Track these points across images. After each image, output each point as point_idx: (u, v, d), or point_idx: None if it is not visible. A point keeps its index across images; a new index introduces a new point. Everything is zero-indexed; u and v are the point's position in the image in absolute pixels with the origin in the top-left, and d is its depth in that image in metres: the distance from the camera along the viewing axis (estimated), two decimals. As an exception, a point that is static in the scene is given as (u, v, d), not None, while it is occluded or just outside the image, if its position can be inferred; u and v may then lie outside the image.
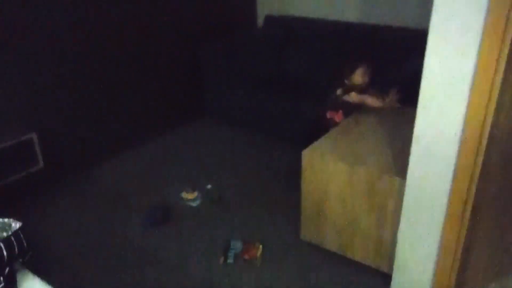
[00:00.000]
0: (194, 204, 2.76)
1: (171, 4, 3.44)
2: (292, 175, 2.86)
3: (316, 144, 2.28)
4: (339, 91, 2.70)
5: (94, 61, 3.02)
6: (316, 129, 2.78)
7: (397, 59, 3.15)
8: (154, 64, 3.47)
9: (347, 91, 2.67)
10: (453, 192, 1.63)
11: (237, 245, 2.37)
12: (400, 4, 3.42)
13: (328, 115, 2.76)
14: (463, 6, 1.40)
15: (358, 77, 2.67)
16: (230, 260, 2.29)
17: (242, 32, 4.07)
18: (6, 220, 1.52)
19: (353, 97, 2.64)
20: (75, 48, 2.89)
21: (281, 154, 3.32)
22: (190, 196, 2.79)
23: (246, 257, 2.31)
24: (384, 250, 2.11)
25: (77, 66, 2.93)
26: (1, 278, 1.36)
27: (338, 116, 2.73)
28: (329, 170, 2.14)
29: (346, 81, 2.71)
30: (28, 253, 1.48)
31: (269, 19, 4.09)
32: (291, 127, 3.44)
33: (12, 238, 1.41)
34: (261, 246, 2.36)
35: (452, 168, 1.61)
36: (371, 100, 2.62)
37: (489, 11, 1.35)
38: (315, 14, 3.87)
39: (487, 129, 1.47)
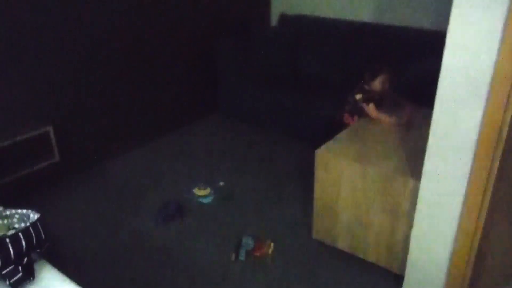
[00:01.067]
0: (206, 200, 2.78)
1: (185, 2, 3.46)
2: (305, 174, 2.86)
3: (329, 143, 2.28)
4: (358, 97, 2.67)
5: (109, 56, 3.06)
6: (331, 130, 2.78)
7: (412, 60, 3.13)
8: (168, 59, 3.49)
9: (366, 98, 2.65)
10: (469, 193, 1.62)
11: (248, 242, 2.38)
12: (415, 4, 3.40)
13: (345, 118, 2.76)
14: (482, 6, 1.39)
15: (378, 84, 2.65)
16: (241, 257, 2.31)
17: (257, 30, 4.07)
18: (25, 211, 1.54)
19: (370, 109, 2.60)
20: (92, 43, 2.92)
21: (294, 153, 3.33)
22: (203, 193, 2.81)
23: (258, 254, 2.32)
24: (396, 251, 2.10)
25: (93, 61, 2.96)
26: (20, 268, 1.39)
27: (353, 121, 2.72)
28: (342, 170, 2.13)
29: (366, 86, 2.69)
30: (46, 244, 1.51)
31: (283, 17, 4.09)
32: (304, 125, 3.44)
33: (31, 229, 1.44)
34: (272, 244, 2.37)
35: (468, 169, 1.60)
36: (385, 119, 2.55)
37: (510, 10, 1.33)
38: (329, 13, 3.86)
39: (505, 130, 1.45)
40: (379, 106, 2.63)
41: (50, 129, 2.73)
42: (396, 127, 2.45)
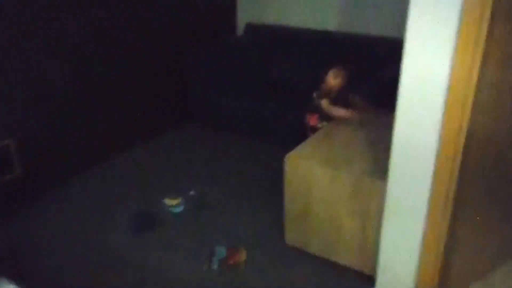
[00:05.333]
0: (177, 210, 2.74)
1: (151, 13, 3.43)
2: (277, 179, 2.87)
3: (298, 148, 2.31)
4: (314, 94, 2.74)
5: (77, 66, 2.98)
6: (300, 133, 2.82)
7: (375, 66, 3.23)
8: (138, 71, 3.45)
9: (322, 95, 2.71)
10: (433, 192, 1.67)
11: (221, 250, 2.36)
12: (378, 14, 3.51)
13: (307, 119, 2.80)
14: (437, 9, 1.46)
15: (331, 79, 2.69)
16: (214, 266, 2.28)
17: (224, 40, 4.09)
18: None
19: (323, 104, 2.67)
20: (57, 52, 2.85)
21: (266, 159, 3.34)
22: (173, 202, 2.77)
23: (231, 262, 2.30)
24: (368, 253, 2.14)
25: (59, 70, 2.88)
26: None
27: (312, 120, 2.77)
28: (312, 174, 2.16)
29: (323, 85, 2.75)
30: (4, 263, 1.44)
31: (249, 27, 4.13)
32: (275, 131, 3.47)
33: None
34: (245, 252, 2.36)
35: (431, 169, 1.65)
36: (338, 113, 2.64)
37: (463, 12, 1.40)
38: (294, 23, 3.93)
39: (465, 129, 1.52)
40: (335, 103, 2.69)
41: (10, 142, 2.62)
42: (353, 123, 2.53)
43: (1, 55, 2.57)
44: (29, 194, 2.82)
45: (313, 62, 3.69)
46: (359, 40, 3.58)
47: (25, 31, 2.64)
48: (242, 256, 2.34)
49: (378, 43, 3.48)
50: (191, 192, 2.87)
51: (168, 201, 2.77)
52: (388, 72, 3.13)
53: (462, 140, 1.54)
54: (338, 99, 2.74)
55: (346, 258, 2.23)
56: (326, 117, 2.69)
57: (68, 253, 2.39)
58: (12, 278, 1.51)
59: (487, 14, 1.37)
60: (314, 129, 2.73)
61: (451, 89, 1.51)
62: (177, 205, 2.75)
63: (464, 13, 1.39)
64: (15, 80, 2.67)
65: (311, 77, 3.55)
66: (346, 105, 2.79)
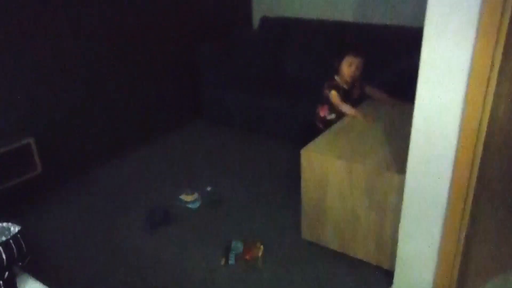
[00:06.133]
0: (193, 206, 2.75)
1: (166, 7, 3.44)
2: (292, 174, 2.85)
3: (314, 142, 2.28)
4: (325, 85, 2.68)
5: (90, 64, 3.02)
6: (314, 128, 2.78)
7: (394, 57, 3.16)
8: (151, 67, 3.47)
9: (331, 85, 2.64)
10: (453, 186, 1.62)
11: (238, 246, 2.36)
12: (396, 2, 3.43)
13: (319, 110, 2.76)
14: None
15: (346, 67, 2.61)
16: (231, 261, 2.28)
17: (239, 33, 4.07)
18: (5, 224, 1.50)
19: (332, 95, 2.60)
20: (71, 52, 2.89)
21: (280, 154, 3.32)
22: (190, 198, 2.78)
23: (248, 257, 2.30)
24: (385, 247, 2.10)
25: (73, 70, 2.93)
26: (1, 283, 1.35)
27: (322, 111, 2.72)
28: (328, 169, 2.13)
29: (336, 77, 2.68)
30: (27, 257, 1.47)
31: (265, 20, 4.10)
32: (289, 126, 3.44)
33: (11, 242, 1.40)
34: (262, 247, 2.35)
35: (451, 162, 1.61)
36: (344, 109, 2.57)
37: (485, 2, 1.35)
38: (311, 14, 3.88)
39: (486, 120, 1.47)
40: (346, 97, 2.62)
41: (31, 140, 2.68)
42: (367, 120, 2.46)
43: (16, 58, 2.61)
44: (49, 191, 2.88)
45: (329, 55, 3.63)
46: (376, 30, 3.50)
47: (35, 34, 2.68)
48: (259, 251, 2.33)
49: (395, 33, 3.40)
50: (208, 188, 2.88)
51: (185, 197, 2.78)
52: (405, 62, 3.08)
53: (483, 131, 1.48)
54: (352, 89, 2.69)
55: (364, 252, 2.20)
56: (336, 109, 2.64)
57: (85, 249, 2.43)
58: (34, 275, 1.54)
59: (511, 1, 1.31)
60: (324, 121, 2.69)
61: (472, 77, 1.45)
62: (193, 201, 2.76)
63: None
64: (32, 81, 2.72)
65: (326, 71, 3.52)
66: (360, 95, 2.74)
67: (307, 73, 3.71)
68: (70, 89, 2.94)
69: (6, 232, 1.49)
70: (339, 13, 3.73)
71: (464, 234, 1.69)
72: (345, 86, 2.66)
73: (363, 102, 2.72)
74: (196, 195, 2.80)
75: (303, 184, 2.26)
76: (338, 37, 3.63)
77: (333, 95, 2.59)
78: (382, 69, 3.03)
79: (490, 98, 1.45)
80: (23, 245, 1.46)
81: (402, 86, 2.92)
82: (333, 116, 2.66)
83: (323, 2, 3.81)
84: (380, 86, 2.82)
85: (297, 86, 3.67)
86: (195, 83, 3.83)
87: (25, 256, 1.46)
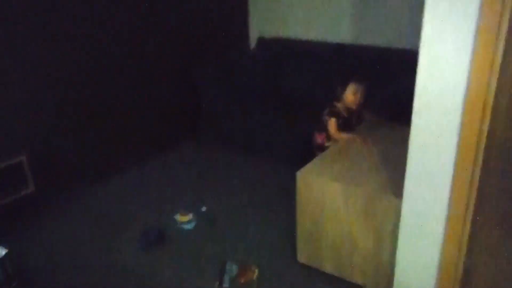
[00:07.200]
0: (188, 226, 2.71)
1: (163, 28, 3.45)
2: (288, 196, 2.82)
3: (310, 164, 2.26)
4: (325, 112, 2.66)
5: (85, 83, 3.01)
6: (308, 150, 2.76)
7: (390, 79, 3.17)
8: (146, 87, 3.46)
9: (331, 112, 2.63)
10: (451, 209, 1.60)
11: (232, 268, 2.31)
12: (391, 25, 3.46)
13: (316, 137, 2.74)
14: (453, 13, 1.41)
15: (350, 95, 2.60)
16: (225, 284, 2.23)
17: (236, 54, 4.09)
18: (-8, 246, 1.47)
19: (331, 123, 2.57)
20: (64, 70, 2.87)
21: (277, 175, 3.29)
22: (184, 219, 2.74)
23: (242, 280, 2.25)
24: (383, 271, 2.06)
25: (66, 88, 2.91)
26: (-14, 308, 1.31)
27: (320, 138, 2.70)
28: (324, 191, 2.10)
29: (337, 104, 2.65)
30: (14, 282, 1.43)
31: (261, 41, 4.13)
32: (286, 147, 3.42)
33: (-2, 266, 1.36)
34: (257, 270, 2.31)
35: (449, 185, 1.59)
36: (341, 138, 2.54)
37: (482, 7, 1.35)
38: (307, 35, 3.91)
39: (483, 139, 1.45)
40: (345, 125, 2.60)
41: (23, 158, 2.64)
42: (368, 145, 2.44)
43: (7, 76, 2.60)
44: (42, 210, 2.83)
45: (326, 76, 3.64)
46: (373, 52, 3.52)
47: (26, 53, 2.67)
48: (254, 274, 2.28)
49: (392, 55, 3.42)
50: (202, 208, 2.84)
51: (179, 217, 2.74)
52: (402, 84, 3.09)
53: (480, 157, 1.47)
54: (352, 116, 2.67)
55: (361, 277, 2.16)
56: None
57: (78, 269, 2.37)
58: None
59: (507, 16, 1.31)
60: (321, 148, 2.66)
61: (468, 96, 1.44)
62: (188, 221, 2.72)
63: (483, 8, 1.33)
64: (23, 99, 2.70)
65: (324, 92, 3.52)
66: (359, 121, 2.72)
67: (305, 93, 3.71)
68: (63, 107, 2.91)
69: (-7, 255, 1.45)
70: (335, 34, 3.76)
71: (463, 257, 1.66)
72: (345, 114, 2.64)
73: (360, 125, 2.72)
74: (191, 216, 2.76)
75: (298, 206, 2.23)
76: (335, 58, 3.65)
77: (331, 123, 2.57)
78: (378, 91, 3.03)
79: (487, 119, 1.44)
80: (10, 269, 1.42)
81: (399, 108, 2.94)
82: (330, 143, 2.65)
83: (320, 24, 3.84)
84: (374, 109, 2.82)
85: (294, 107, 3.67)
86: (191, 103, 3.83)
87: (12, 280, 1.42)
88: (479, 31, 1.36)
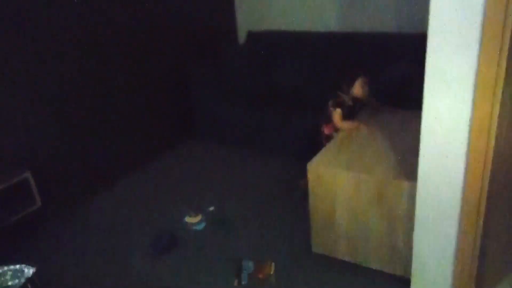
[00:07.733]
0: (199, 227, 2.71)
1: (152, 29, 3.42)
2: (292, 188, 2.85)
3: (320, 155, 2.28)
4: (330, 103, 2.69)
5: (83, 92, 2.98)
6: (312, 142, 2.78)
7: (383, 63, 3.20)
8: (143, 90, 3.44)
9: (336, 103, 2.66)
10: (466, 189, 1.63)
11: (249, 265, 2.33)
12: (376, 10, 3.49)
13: (323, 129, 2.76)
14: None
15: (359, 88, 2.65)
16: (244, 281, 2.25)
17: (226, 50, 4.07)
18: (18, 266, 1.46)
19: (335, 114, 2.61)
20: (64, 82, 2.84)
21: (278, 169, 3.30)
22: (194, 220, 2.74)
23: (260, 276, 2.27)
24: (398, 255, 2.10)
25: (66, 99, 2.88)
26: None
27: (327, 129, 2.72)
28: (336, 181, 2.13)
29: (342, 94, 2.68)
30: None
31: (251, 35, 4.12)
32: (285, 140, 3.43)
33: (29, 286, 1.36)
34: (273, 264, 2.33)
35: (463, 165, 1.62)
36: (345, 126, 2.58)
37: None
38: (295, 27, 3.91)
39: (495, 122, 1.48)
40: (350, 113, 2.64)
41: (29, 175, 2.61)
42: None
43: (11, 91, 2.57)
44: (50, 224, 2.81)
45: (318, 65, 3.66)
46: (363, 38, 3.54)
47: (26, 68, 2.64)
48: (271, 268, 2.31)
49: (381, 39, 3.44)
50: (211, 208, 2.85)
51: (189, 219, 2.75)
52: (396, 69, 3.13)
53: (493, 133, 1.50)
54: (356, 105, 2.71)
55: (376, 262, 2.20)
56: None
57: (91, 278, 2.37)
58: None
59: None
60: (329, 138, 2.69)
61: (479, 79, 1.47)
62: (198, 223, 2.73)
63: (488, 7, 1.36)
64: (26, 115, 2.67)
65: (318, 82, 3.54)
66: (361, 107, 2.76)
67: (299, 85, 3.72)
68: (62, 120, 2.88)
69: (19, 275, 1.44)
70: (322, 23, 3.77)
71: (480, 233, 1.70)
72: (350, 103, 2.67)
73: (361, 111, 2.74)
74: (200, 216, 2.76)
75: (311, 197, 2.25)
76: (326, 47, 3.66)
77: (336, 113, 2.60)
78: (373, 77, 3.06)
79: (497, 99, 1.47)
80: (39, 287, 1.41)
81: (394, 92, 2.97)
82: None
83: (307, 14, 3.85)
84: (372, 94, 2.85)
85: (290, 98, 3.68)
86: (186, 102, 3.81)
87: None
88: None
